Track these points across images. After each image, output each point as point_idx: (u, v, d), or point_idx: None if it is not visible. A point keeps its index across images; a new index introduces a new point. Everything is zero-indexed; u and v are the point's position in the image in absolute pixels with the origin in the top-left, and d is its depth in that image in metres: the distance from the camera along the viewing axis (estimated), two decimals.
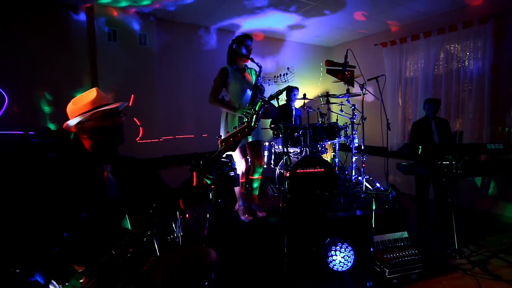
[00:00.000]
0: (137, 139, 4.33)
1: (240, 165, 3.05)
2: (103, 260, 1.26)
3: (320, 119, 4.07)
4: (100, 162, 1.43)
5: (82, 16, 4.04)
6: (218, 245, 2.67)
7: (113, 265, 1.27)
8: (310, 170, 3.31)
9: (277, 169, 3.78)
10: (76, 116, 1.38)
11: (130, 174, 1.52)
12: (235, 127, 1.54)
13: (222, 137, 1.51)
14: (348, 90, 4.11)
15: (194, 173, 1.43)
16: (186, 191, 1.48)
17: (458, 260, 2.95)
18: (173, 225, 2.64)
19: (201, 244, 2.64)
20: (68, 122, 1.40)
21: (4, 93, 3.53)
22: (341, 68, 3.83)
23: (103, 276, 1.24)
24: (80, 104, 1.40)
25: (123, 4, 4.02)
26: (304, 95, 4.53)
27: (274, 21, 4.77)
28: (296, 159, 3.46)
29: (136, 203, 1.47)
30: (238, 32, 5.12)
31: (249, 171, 3.12)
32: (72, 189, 1.32)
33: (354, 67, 3.92)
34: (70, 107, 1.42)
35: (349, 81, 3.97)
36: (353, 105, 4.04)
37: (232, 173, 3.16)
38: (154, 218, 1.39)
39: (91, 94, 1.43)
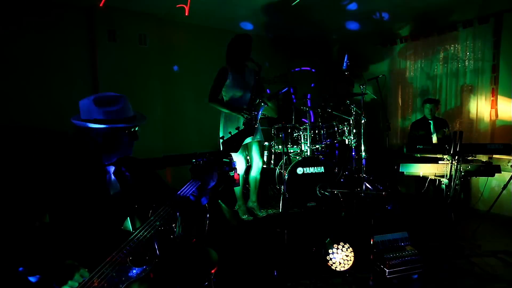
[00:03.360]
0: None
1: (240, 165, 3.05)
2: (105, 262, 1.25)
3: (320, 119, 4.08)
4: (103, 163, 1.41)
5: (82, 16, 4.04)
6: (218, 245, 2.66)
7: (115, 268, 1.26)
8: (310, 170, 3.31)
9: (277, 169, 3.78)
10: (94, 118, 1.32)
11: (133, 175, 1.51)
12: (237, 128, 1.54)
13: (225, 138, 1.51)
14: (348, 90, 4.11)
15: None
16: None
17: (458, 260, 2.95)
18: (173, 225, 2.64)
19: (201, 244, 2.64)
20: (85, 122, 1.33)
21: None
22: (341, 68, 3.84)
23: (105, 279, 1.23)
24: (103, 108, 1.33)
25: (123, 4, 4.01)
26: (304, 95, 4.52)
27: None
28: (296, 159, 3.46)
29: (139, 204, 1.45)
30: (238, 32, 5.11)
31: (249, 171, 3.12)
32: (74, 190, 1.30)
33: (354, 67, 3.92)
34: (91, 106, 1.33)
35: (349, 81, 3.97)
36: (353, 105, 4.04)
37: (232, 173, 3.17)
38: (156, 221, 1.38)
39: (117, 101, 1.37)
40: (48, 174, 1.32)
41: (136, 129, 1.45)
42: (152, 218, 1.37)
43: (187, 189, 1.50)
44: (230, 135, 1.52)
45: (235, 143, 1.51)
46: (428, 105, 3.67)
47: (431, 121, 3.69)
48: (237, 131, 1.53)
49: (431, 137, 3.66)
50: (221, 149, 1.50)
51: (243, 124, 2.74)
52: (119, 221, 1.36)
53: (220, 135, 2.89)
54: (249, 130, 1.53)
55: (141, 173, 1.56)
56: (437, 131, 3.66)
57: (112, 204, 1.37)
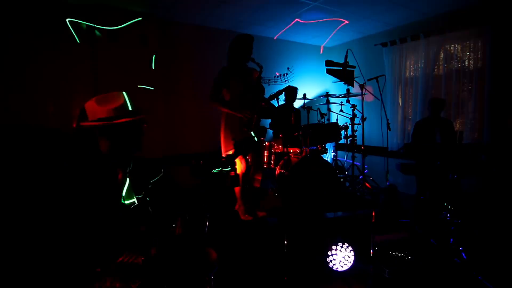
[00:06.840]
0: None
1: (240, 165, 3.05)
2: (118, 262, 1.25)
3: (320, 119, 4.08)
4: (115, 164, 1.42)
5: (82, 16, 4.04)
6: (218, 245, 2.66)
7: (127, 268, 1.26)
8: (310, 170, 3.31)
9: (277, 169, 3.78)
10: (99, 117, 1.34)
11: (145, 176, 1.52)
12: (244, 129, 1.58)
13: (237, 141, 1.54)
14: (348, 90, 4.11)
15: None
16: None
17: (458, 260, 2.95)
18: (173, 225, 2.64)
19: (201, 244, 2.64)
20: (89, 122, 1.36)
21: None
22: (341, 68, 3.84)
23: (117, 279, 1.23)
24: (107, 107, 1.35)
25: (123, 4, 4.02)
26: (304, 95, 4.53)
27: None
28: (296, 159, 3.46)
29: (151, 206, 1.46)
30: (238, 32, 5.11)
31: (249, 171, 3.12)
32: (86, 192, 1.30)
33: (354, 67, 3.92)
34: (94, 107, 1.36)
35: (349, 81, 3.97)
36: (353, 105, 4.04)
37: (232, 173, 3.17)
38: (169, 221, 1.39)
39: (119, 98, 1.39)
40: (58, 172, 1.33)
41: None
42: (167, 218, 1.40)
43: None
44: (243, 138, 1.54)
45: (245, 147, 1.54)
46: (433, 105, 3.65)
47: (435, 121, 3.68)
48: (245, 134, 1.57)
49: (434, 138, 3.65)
50: (234, 150, 1.53)
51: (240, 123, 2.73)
52: (132, 222, 1.37)
53: (221, 135, 2.89)
54: (258, 135, 1.58)
55: (151, 171, 1.57)
56: (440, 131, 3.65)
57: (124, 205, 1.38)
